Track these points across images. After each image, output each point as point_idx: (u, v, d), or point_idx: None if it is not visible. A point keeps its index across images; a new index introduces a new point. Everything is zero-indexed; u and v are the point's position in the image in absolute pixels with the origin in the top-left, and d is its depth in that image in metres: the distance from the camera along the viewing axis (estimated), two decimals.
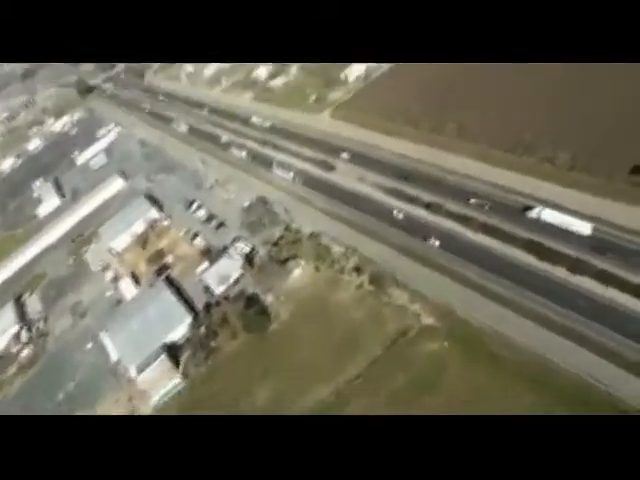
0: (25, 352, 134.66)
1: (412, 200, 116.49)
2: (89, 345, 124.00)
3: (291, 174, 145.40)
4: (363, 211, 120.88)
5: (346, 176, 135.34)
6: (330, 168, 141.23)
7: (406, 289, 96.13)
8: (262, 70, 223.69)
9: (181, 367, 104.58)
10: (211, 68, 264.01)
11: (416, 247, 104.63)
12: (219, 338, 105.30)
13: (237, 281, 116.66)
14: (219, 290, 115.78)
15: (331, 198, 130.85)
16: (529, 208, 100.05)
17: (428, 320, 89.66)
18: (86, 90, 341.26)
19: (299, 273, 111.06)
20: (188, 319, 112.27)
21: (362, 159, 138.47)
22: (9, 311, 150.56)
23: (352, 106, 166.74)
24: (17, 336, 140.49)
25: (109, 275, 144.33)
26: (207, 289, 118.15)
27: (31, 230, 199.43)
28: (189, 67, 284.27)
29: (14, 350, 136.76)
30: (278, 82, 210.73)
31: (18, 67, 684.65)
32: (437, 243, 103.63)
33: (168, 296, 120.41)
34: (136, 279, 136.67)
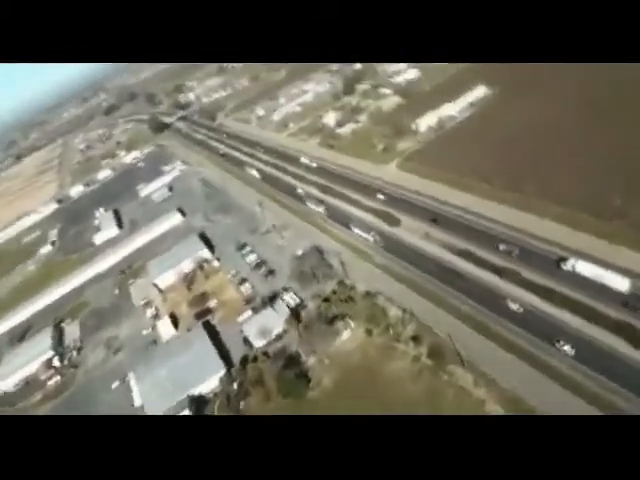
0: (53, 380, 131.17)
1: (483, 264, 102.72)
2: (116, 384, 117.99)
3: (370, 235, 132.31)
4: (427, 272, 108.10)
5: (411, 232, 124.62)
6: (394, 222, 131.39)
7: (471, 368, 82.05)
8: (330, 116, 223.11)
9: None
10: (281, 112, 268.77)
11: (487, 321, 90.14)
12: (250, 398, 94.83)
13: (280, 337, 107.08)
14: (258, 344, 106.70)
15: (392, 254, 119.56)
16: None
17: (493, 408, 75.61)
18: (159, 127, 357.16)
19: (348, 335, 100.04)
20: (221, 372, 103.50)
21: (429, 214, 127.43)
22: (46, 336, 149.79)
23: (421, 158, 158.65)
24: (49, 363, 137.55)
25: (149, 312, 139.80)
26: (246, 341, 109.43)
27: (85, 257, 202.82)
28: (260, 111, 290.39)
29: (43, 377, 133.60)
30: (346, 129, 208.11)
31: (104, 102, 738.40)
32: (518, 309, 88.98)
33: (204, 343, 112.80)
34: (175, 321, 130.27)
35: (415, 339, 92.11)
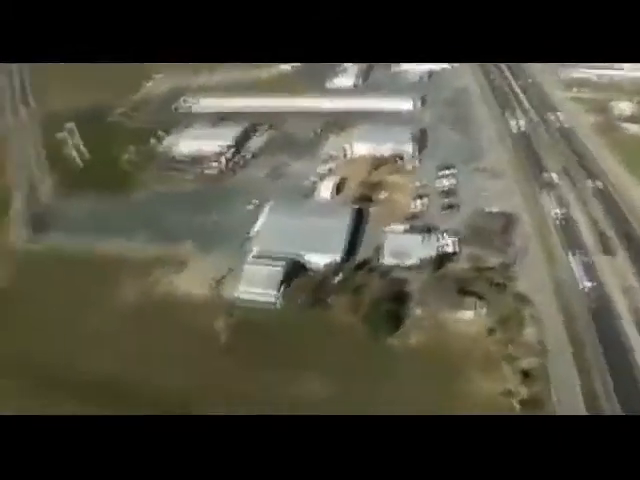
0: (215, 168, 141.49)
1: None
2: (251, 206, 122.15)
3: None
4: None
5: None
6: None
7: None
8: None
9: (281, 291, 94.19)
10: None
11: None
12: (341, 299, 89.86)
13: (408, 268, 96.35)
14: (386, 260, 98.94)
15: None
16: None
17: None
18: None
19: (469, 318, 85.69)
20: (336, 256, 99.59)
21: None
22: (235, 129, 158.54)
23: None
24: (222, 152, 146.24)
25: (324, 167, 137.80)
26: (377, 250, 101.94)
27: (314, 91, 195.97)
28: None
29: (211, 161, 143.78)
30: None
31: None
32: None
33: (343, 223, 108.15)
34: (338, 189, 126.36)
35: (526, 375, 74.44)
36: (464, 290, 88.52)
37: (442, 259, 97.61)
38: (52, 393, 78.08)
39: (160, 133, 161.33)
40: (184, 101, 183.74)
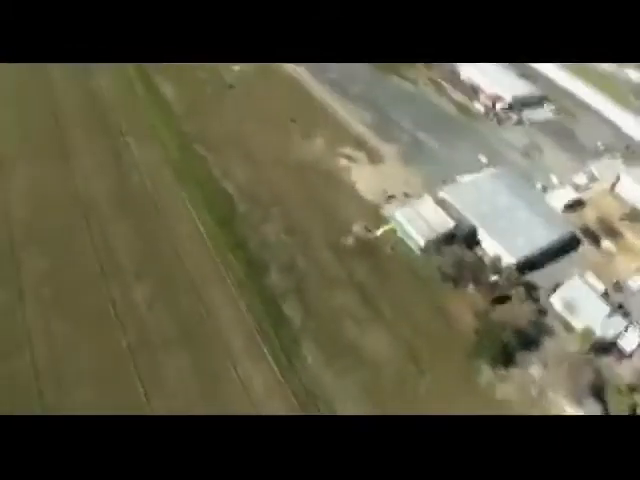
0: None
1: None
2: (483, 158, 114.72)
3: None
4: None
5: None
6: None
7: None
8: None
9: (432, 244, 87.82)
10: None
11: None
12: (472, 293, 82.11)
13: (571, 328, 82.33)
14: (553, 300, 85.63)
15: None
16: None
17: None
18: None
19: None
20: (512, 258, 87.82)
21: None
22: None
23: None
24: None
25: (584, 178, 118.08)
26: (555, 286, 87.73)
27: None
28: None
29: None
30: None
31: None
32: None
33: (548, 237, 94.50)
34: (576, 206, 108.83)
35: None
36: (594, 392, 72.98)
37: (609, 347, 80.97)
38: None
39: None
40: None
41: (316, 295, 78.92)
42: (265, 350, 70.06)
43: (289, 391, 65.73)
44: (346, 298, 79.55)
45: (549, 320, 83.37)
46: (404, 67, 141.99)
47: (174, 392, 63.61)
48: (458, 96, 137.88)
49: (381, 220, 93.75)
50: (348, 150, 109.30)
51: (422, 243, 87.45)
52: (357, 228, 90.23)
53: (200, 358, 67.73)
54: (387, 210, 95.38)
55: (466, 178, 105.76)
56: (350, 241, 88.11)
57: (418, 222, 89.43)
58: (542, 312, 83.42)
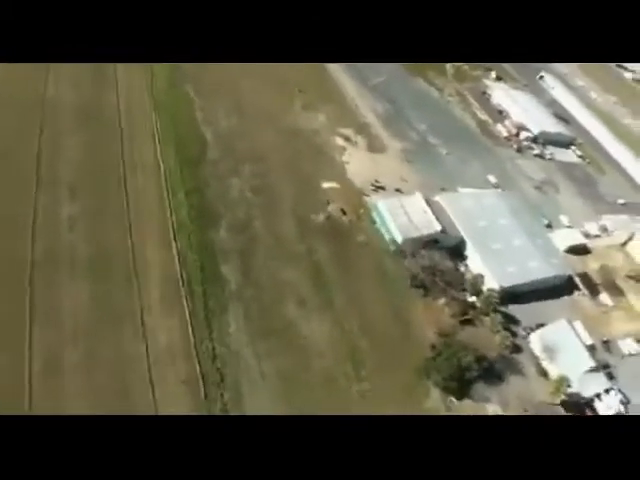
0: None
1: None
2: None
3: None
4: None
5: None
6: None
7: None
8: None
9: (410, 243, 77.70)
10: None
11: None
12: (441, 305, 71.02)
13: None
14: (531, 338, 74.88)
15: None
16: None
17: None
18: None
19: None
20: (497, 283, 76.94)
21: None
22: None
23: None
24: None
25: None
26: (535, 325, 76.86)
27: None
28: None
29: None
30: None
31: None
32: None
33: (543, 271, 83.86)
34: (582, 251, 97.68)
35: None
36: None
37: (582, 405, 69.46)
38: None
39: None
40: None
41: (263, 263, 68.71)
42: (185, 304, 59.37)
43: (194, 353, 54.99)
44: (296, 276, 69.26)
45: (522, 358, 72.36)
46: (433, 73, 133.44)
47: (61, 323, 53.34)
48: (482, 115, 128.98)
49: (362, 207, 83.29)
50: (348, 132, 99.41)
51: (400, 239, 77.01)
52: (332, 208, 79.96)
53: (104, 294, 57.36)
54: (371, 199, 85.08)
55: (468, 190, 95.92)
56: (320, 219, 77.69)
57: (401, 217, 79.33)
58: (516, 348, 72.50)
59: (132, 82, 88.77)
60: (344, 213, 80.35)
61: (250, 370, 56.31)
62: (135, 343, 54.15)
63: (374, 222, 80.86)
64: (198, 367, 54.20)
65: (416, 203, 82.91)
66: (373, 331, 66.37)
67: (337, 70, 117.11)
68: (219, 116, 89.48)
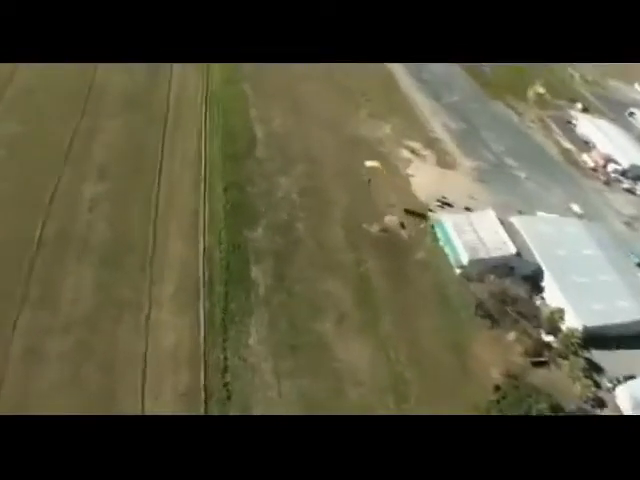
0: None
1: None
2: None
3: None
4: None
5: None
6: None
7: None
8: None
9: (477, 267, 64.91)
10: None
11: None
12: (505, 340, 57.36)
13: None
14: (618, 393, 57.55)
15: None
16: None
17: None
18: None
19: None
20: (580, 323, 61.91)
21: None
22: None
23: None
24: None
25: None
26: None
27: None
28: None
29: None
30: None
31: None
32: None
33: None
34: None
35: None
36: None
37: None
38: None
39: None
40: None
41: (300, 269, 58.69)
42: (201, 304, 50.47)
43: (202, 362, 45.50)
44: (338, 287, 58.31)
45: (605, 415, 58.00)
46: (513, 97, 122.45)
47: (56, 307, 46.39)
48: (566, 143, 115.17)
49: (424, 222, 71.66)
50: (416, 145, 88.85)
51: (466, 260, 64.81)
52: (390, 220, 69.31)
53: (111, 282, 49.98)
54: (436, 215, 73.57)
55: (549, 215, 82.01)
56: (374, 229, 67.20)
57: (469, 234, 67.10)
58: (599, 401, 57.12)
59: (187, 76, 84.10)
60: (403, 227, 69.50)
61: (266, 389, 45.41)
62: (134, 340, 45.50)
63: (437, 240, 69.23)
64: (203, 378, 44.39)
65: (488, 222, 70.22)
66: (424, 362, 53.41)
67: (408, 84, 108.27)
68: (274, 115, 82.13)
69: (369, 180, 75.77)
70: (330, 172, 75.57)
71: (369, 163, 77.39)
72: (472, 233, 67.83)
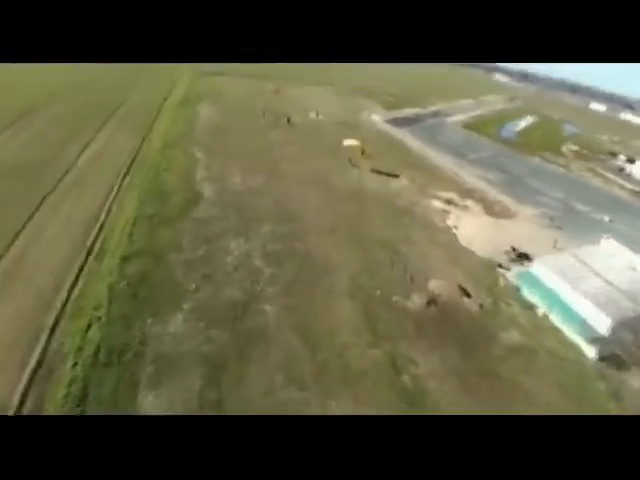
0: None
1: None
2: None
3: None
4: None
5: None
6: None
7: None
8: None
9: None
10: None
11: None
12: None
13: None
14: None
15: None
16: None
17: None
18: None
19: None
20: None
21: None
22: None
23: None
24: None
25: None
26: None
27: None
28: None
29: None
30: None
31: None
32: None
33: None
34: None
35: None
36: None
37: None
38: None
39: None
40: None
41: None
42: None
43: None
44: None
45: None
46: (549, 154, 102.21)
47: None
48: (630, 185, 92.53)
49: (497, 281, 42.75)
50: (450, 195, 63.82)
51: (606, 327, 34.73)
52: (436, 286, 38.78)
53: None
54: (514, 269, 44.55)
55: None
56: (416, 303, 36.59)
57: (590, 281, 37.05)
58: None
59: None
60: (466, 294, 40.52)
61: None
62: None
63: (529, 306, 39.49)
64: None
65: (613, 256, 41.74)
66: None
67: (418, 146, 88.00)
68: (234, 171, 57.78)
69: (349, 159, 70.75)
70: (319, 230, 48.96)
71: (347, 142, 72.82)
72: (594, 277, 40.31)
